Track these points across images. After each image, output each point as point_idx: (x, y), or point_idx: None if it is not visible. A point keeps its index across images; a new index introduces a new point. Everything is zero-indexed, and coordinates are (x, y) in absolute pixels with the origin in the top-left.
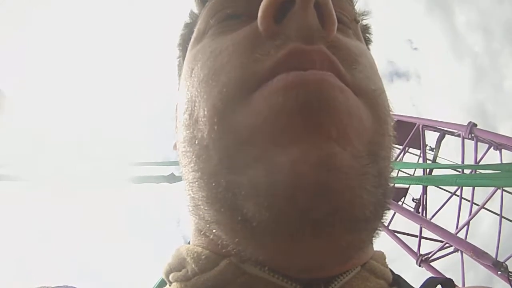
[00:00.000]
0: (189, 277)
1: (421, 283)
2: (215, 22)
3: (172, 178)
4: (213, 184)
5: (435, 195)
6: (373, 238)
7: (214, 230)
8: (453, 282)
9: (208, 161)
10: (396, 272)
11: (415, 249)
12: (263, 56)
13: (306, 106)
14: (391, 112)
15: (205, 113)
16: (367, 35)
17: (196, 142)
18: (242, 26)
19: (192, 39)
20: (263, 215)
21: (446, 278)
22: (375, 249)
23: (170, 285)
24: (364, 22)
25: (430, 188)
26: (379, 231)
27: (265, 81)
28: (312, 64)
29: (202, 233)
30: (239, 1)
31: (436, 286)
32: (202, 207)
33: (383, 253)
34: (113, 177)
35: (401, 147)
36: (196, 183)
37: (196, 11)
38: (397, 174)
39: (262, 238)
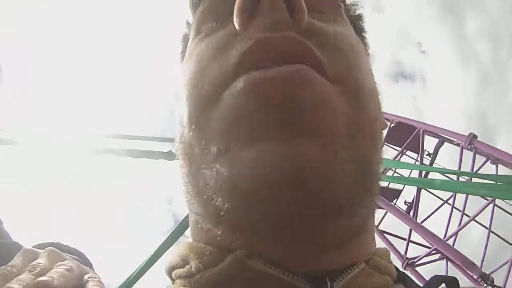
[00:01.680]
0: (193, 273)
1: (426, 281)
2: (204, 28)
3: (171, 156)
4: (195, 179)
5: (427, 201)
6: (361, 227)
7: (204, 223)
8: (458, 281)
9: (192, 158)
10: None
11: (402, 252)
12: (233, 51)
13: (268, 106)
14: (377, 97)
15: (186, 114)
16: (360, 23)
17: (182, 140)
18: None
19: (187, 44)
20: (232, 208)
21: (451, 276)
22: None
23: (173, 283)
24: (357, 11)
25: (423, 193)
26: (366, 219)
27: (230, 80)
28: (278, 53)
29: (200, 227)
30: (222, 8)
31: (440, 284)
32: (192, 201)
33: (387, 249)
34: (109, 149)
35: (399, 148)
36: (186, 178)
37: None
38: (393, 174)
39: (239, 230)
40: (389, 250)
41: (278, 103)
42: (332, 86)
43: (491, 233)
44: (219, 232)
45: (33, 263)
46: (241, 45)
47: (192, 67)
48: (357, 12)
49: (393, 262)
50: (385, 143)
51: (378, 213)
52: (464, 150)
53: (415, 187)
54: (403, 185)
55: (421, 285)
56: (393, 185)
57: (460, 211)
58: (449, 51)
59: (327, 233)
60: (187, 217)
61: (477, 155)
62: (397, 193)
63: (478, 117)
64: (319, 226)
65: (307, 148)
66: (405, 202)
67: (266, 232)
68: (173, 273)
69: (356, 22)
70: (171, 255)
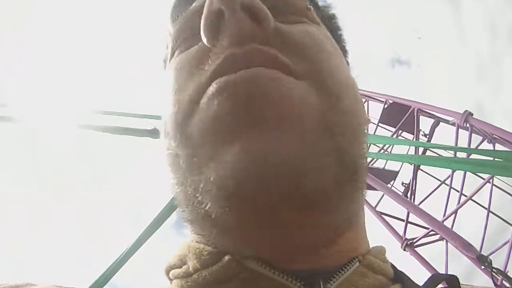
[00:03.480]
0: (190, 273)
1: (425, 280)
2: (180, 43)
3: (155, 133)
4: (183, 187)
5: (426, 182)
6: (348, 221)
7: (196, 228)
8: (458, 279)
9: (179, 168)
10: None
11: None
12: (207, 67)
13: (237, 105)
14: (353, 90)
15: (170, 127)
16: (334, 22)
17: (170, 153)
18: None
19: (167, 60)
20: (219, 209)
21: (450, 275)
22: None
23: (171, 283)
24: (330, 12)
25: (420, 175)
26: (353, 214)
27: (205, 90)
28: (249, 63)
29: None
30: (193, 24)
31: (440, 283)
32: (183, 208)
33: (383, 248)
34: (91, 125)
35: (394, 129)
36: (175, 187)
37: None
38: (391, 151)
39: (227, 231)
40: (384, 249)
41: (246, 101)
42: (299, 82)
43: (492, 215)
44: (213, 236)
45: None
46: (212, 62)
47: (170, 84)
48: (330, 12)
49: (393, 243)
50: (380, 123)
51: (375, 195)
52: (460, 129)
53: (412, 170)
54: (400, 167)
55: (419, 284)
56: (390, 167)
57: (458, 191)
58: (445, 38)
59: (311, 227)
60: (169, 204)
61: (473, 134)
62: (394, 174)
63: (475, 105)
64: (302, 220)
65: (278, 143)
66: (402, 183)
67: (253, 230)
68: (171, 273)
69: (330, 22)
70: (170, 256)
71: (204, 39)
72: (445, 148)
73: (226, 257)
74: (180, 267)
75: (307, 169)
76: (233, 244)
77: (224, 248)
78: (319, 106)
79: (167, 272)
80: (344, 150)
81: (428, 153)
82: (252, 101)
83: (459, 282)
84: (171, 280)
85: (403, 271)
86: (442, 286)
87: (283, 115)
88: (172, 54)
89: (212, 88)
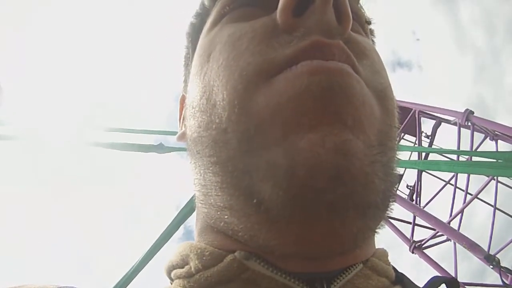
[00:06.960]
0: (191, 273)
1: (426, 282)
2: (232, 9)
3: (161, 148)
4: (230, 168)
5: (430, 183)
6: (378, 230)
7: (226, 217)
8: (458, 282)
9: (226, 145)
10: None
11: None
12: (282, 46)
13: (328, 92)
14: (396, 105)
15: (225, 96)
16: (373, 38)
17: (214, 127)
18: (258, 14)
19: (208, 25)
20: (280, 196)
21: (451, 277)
22: None
23: (172, 283)
24: (370, 27)
25: (425, 176)
26: (383, 223)
27: (287, 66)
28: (332, 56)
29: (209, 227)
30: None
31: (440, 285)
32: (214, 193)
33: (385, 250)
34: (97, 142)
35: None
36: (211, 168)
37: (206, 1)
38: None
39: (277, 221)
40: (386, 251)
41: (334, 92)
42: (369, 90)
43: (498, 212)
44: (249, 226)
45: None
46: (297, 40)
47: (227, 49)
48: (370, 27)
49: (401, 246)
50: None
51: None
52: (462, 129)
53: (416, 172)
54: (403, 169)
55: (419, 286)
56: None
57: (463, 190)
58: (443, 38)
59: (356, 231)
60: (182, 210)
61: (476, 133)
62: (398, 177)
63: (477, 103)
64: (352, 223)
65: (353, 144)
66: (407, 186)
67: (301, 221)
68: (172, 273)
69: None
70: (171, 255)
71: (283, 17)
72: (449, 152)
73: (228, 258)
74: (182, 267)
75: (372, 173)
76: (274, 237)
77: (227, 245)
78: (380, 119)
79: (169, 272)
80: (390, 163)
81: (431, 155)
82: (340, 93)
83: (458, 285)
84: (172, 280)
85: (403, 272)
86: None
87: (360, 119)
88: (220, 18)
89: (302, 67)
